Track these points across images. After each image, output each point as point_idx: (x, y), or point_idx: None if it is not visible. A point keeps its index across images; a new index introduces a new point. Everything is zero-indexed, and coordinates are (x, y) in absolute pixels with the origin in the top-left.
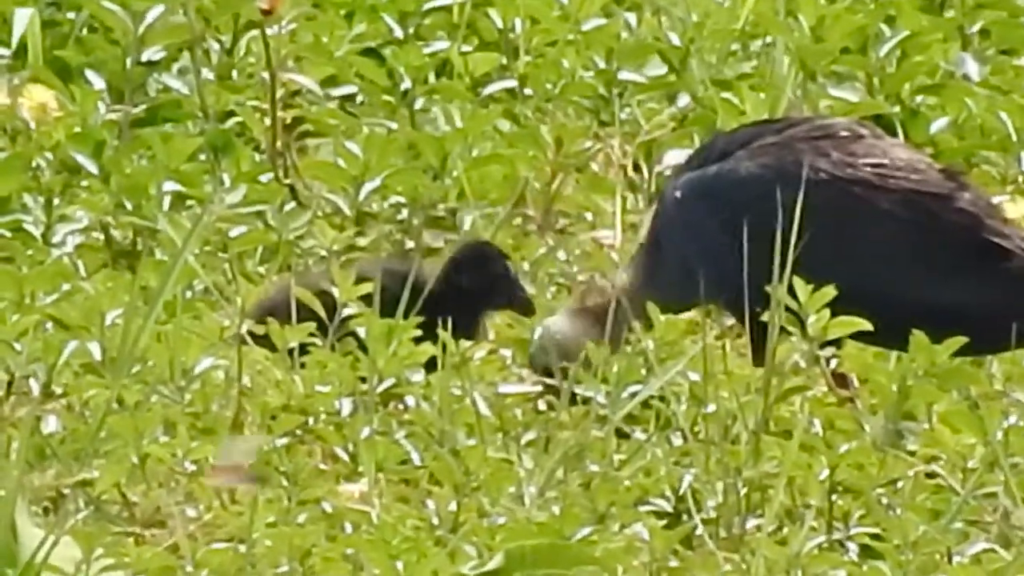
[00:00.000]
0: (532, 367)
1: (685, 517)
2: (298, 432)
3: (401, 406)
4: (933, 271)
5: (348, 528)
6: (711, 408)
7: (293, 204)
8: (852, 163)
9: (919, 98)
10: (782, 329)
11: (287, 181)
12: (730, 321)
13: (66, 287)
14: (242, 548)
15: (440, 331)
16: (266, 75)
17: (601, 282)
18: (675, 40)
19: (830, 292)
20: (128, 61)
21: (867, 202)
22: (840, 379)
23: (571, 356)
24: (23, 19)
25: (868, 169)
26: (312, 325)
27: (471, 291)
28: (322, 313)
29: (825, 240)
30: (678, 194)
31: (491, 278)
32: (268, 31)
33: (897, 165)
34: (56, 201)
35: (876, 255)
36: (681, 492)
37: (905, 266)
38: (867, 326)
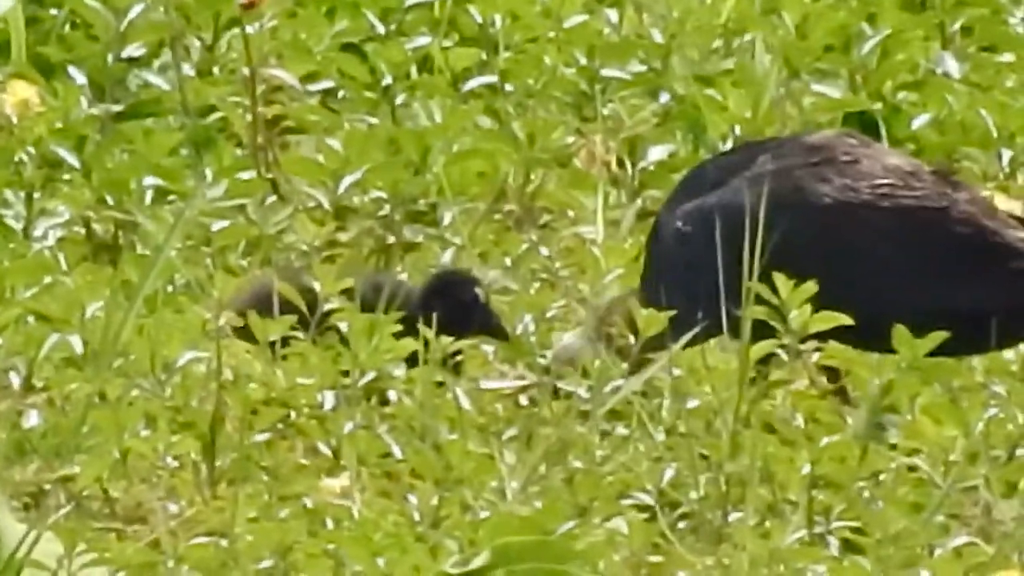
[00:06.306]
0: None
1: (667, 511)
2: (279, 426)
3: (383, 400)
4: (941, 284)
5: (330, 524)
6: (693, 403)
7: (274, 199)
8: (854, 186)
9: (901, 95)
10: (765, 325)
11: (268, 176)
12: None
13: (47, 281)
14: (224, 543)
15: (421, 327)
16: (247, 71)
17: (617, 304)
18: (657, 37)
19: (811, 287)
20: (109, 57)
21: (871, 224)
22: (832, 372)
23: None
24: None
25: (870, 191)
26: (293, 318)
27: (444, 319)
28: (303, 307)
29: (832, 265)
30: (679, 225)
31: (463, 307)
32: (249, 28)
33: (895, 183)
34: (37, 195)
35: (883, 274)
36: (662, 487)
37: (913, 282)
38: (848, 321)
